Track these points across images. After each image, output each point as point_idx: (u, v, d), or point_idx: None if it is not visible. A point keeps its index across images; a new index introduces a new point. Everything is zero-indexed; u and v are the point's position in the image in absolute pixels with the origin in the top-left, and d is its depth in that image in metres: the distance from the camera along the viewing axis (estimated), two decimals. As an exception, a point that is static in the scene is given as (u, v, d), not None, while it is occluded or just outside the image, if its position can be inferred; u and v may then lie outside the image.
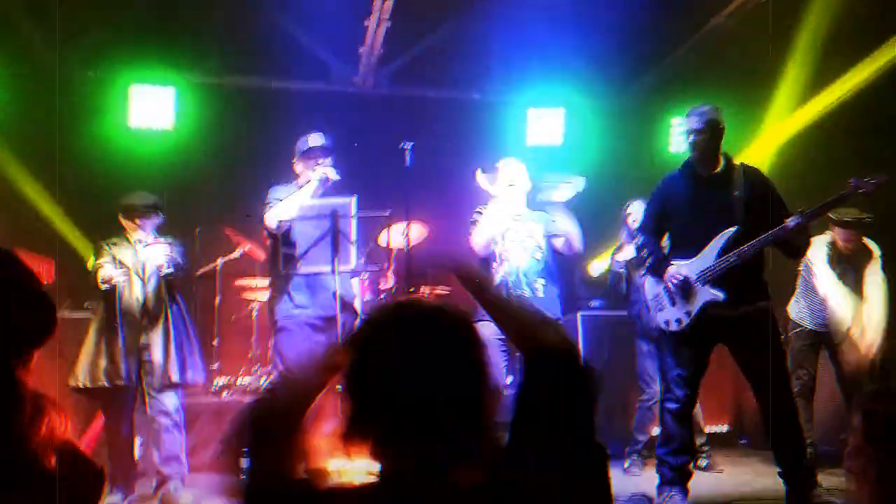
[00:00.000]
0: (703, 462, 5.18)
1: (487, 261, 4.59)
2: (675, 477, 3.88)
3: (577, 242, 4.54)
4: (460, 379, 1.32)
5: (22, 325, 1.42)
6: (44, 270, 4.30)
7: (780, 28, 5.91)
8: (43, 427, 1.43)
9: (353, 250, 3.62)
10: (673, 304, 3.96)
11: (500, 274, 4.52)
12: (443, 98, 7.56)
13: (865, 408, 1.64)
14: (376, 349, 1.33)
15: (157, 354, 4.47)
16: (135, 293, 4.48)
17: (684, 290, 3.90)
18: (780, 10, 5.83)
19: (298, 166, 4.56)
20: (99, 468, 1.54)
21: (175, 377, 4.49)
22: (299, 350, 4.11)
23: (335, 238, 3.49)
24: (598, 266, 6.27)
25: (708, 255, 3.89)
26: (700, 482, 4.44)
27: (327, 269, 3.51)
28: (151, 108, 6.90)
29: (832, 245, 4.99)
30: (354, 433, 1.30)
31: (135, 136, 6.92)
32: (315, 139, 4.53)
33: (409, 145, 4.12)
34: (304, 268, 3.63)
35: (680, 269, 3.93)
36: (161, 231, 4.69)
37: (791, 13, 5.94)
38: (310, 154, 4.45)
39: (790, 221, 3.77)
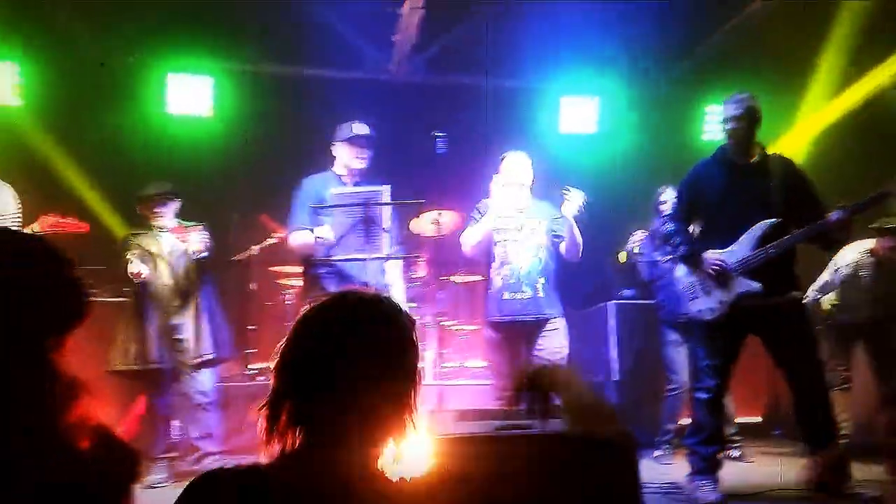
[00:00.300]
0: (734, 452, 5.17)
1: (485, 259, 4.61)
2: (706, 466, 3.88)
3: (574, 255, 4.49)
4: (380, 363, 1.34)
5: (54, 310, 1.46)
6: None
7: (818, 13, 5.81)
8: (76, 410, 1.47)
9: (385, 238, 3.67)
10: (707, 293, 3.94)
11: (501, 273, 4.52)
12: (476, 85, 7.55)
13: None
14: (303, 332, 1.39)
15: (188, 334, 4.67)
16: (163, 278, 4.67)
17: (720, 279, 3.88)
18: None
19: (339, 151, 4.60)
20: (134, 451, 1.58)
21: (207, 354, 4.69)
22: None
23: (368, 226, 3.52)
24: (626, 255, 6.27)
25: (744, 246, 3.87)
26: (731, 471, 4.44)
27: (360, 256, 3.55)
28: (189, 95, 7.03)
29: (868, 252, 4.97)
30: (273, 411, 1.34)
31: (173, 122, 7.05)
32: (360, 127, 4.57)
33: (440, 134, 4.13)
34: (337, 255, 3.67)
35: (716, 257, 3.90)
36: (181, 215, 4.91)
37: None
38: (353, 141, 4.49)
39: (833, 215, 3.74)
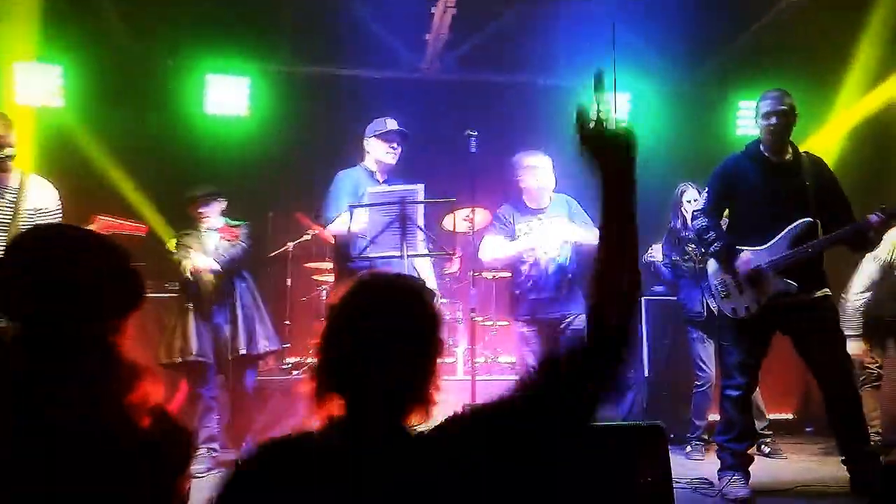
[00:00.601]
0: (765, 448, 5.18)
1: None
2: (737, 462, 3.92)
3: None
4: (412, 336, 1.48)
5: (113, 296, 1.57)
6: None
7: (850, 9, 5.77)
8: (137, 391, 1.58)
9: (420, 235, 3.75)
10: (740, 291, 3.94)
11: (524, 271, 4.66)
12: (508, 83, 7.60)
13: None
14: (342, 313, 1.51)
15: (227, 331, 4.87)
16: (207, 276, 4.85)
17: (755, 277, 3.88)
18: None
19: (370, 146, 4.66)
20: (189, 432, 1.69)
21: (242, 350, 4.87)
22: None
23: (403, 224, 3.61)
24: (659, 250, 6.28)
25: (780, 244, 3.86)
26: (762, 468, 4.47)
27: (396, 253, 3.64)
28: (227, 96, 7.17)
29: None
30: (321, 388, 1.48)
31: (211, 122, 7.20)
32: (392, 123, 4.68)
33: (473, 133, 4.20)
34: (373, 252, 3.77)
35: (752, 256, 3.90)
36: (228, 214, 5.14)
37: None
38: (387, 136, 4.59)
39: (872, 218, 3.75)
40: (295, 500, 1.38)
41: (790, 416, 6.36)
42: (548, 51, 7.24)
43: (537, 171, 4.75)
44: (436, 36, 6.77)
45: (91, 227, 4.12)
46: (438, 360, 1.52)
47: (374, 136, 4.65)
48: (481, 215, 6.40)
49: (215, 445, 4.86)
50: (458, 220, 6.03)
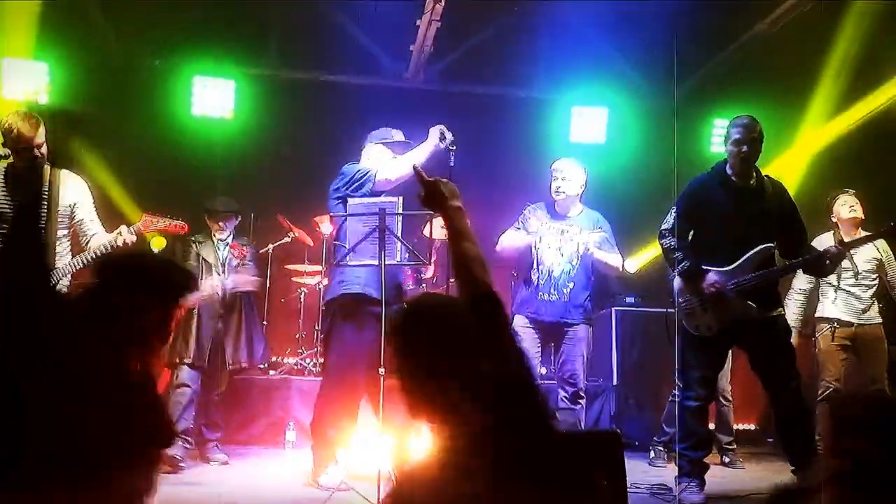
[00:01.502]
0: (726, 458, 5.37)
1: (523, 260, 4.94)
2: (693, 469, 4.08)
3: (615, 271, 4.97)
4: (494, 354, 1.65)
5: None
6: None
7: (820, 37, 6.01)
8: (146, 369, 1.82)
9: (398, 245, 3.89)
10: (704, 310, 4.10)
11: (535, 273, 4.84)
12: (490, 94, 7.76)
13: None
14: (415, 336, 1.67)
15: (230, 340, 5.12)
16: (215, 286, 5.03)
17: (718, 297, 4.04)
18: (821, 19, 5.92)
19: (371, 152, 4.70)
20: (173, 423, 1.88)
21: (243, 362, 5.17)
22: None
23: (382, 234, 3.75)
24: (633, 263, 6.46)
25: (744, 267, 4.03)
26: (719, 476, 4.65)
27: (374, 262, 3.77)
28: (213, 98, 7.26)
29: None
30: (416, 410, 1.65)
31: (197, 123, 7.28)
32: (399, 134, 4.75)
33: (453, 147, 4.32)
34: (353, 260, 3.91)
35: (718, 277, 4.05)
36: (238, 231, 5.42)
37: (831, 23, 6.04)
38: (393, 147, 4.65)
39: (832, 248, 4.06)
40: None
41: (753, 426, 6.56)
42: (528, 64, 7.42)
43: (560, 175, 4.90)
44: (420, 47, 6.90)
45: (138, 223, 4.28)
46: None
47: (378, 143, 4.69)
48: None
49: (189, 439, 4.99)
50: (436, 228, 6.18)
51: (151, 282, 1.83)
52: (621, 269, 5.05)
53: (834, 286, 5.12)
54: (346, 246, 3.96)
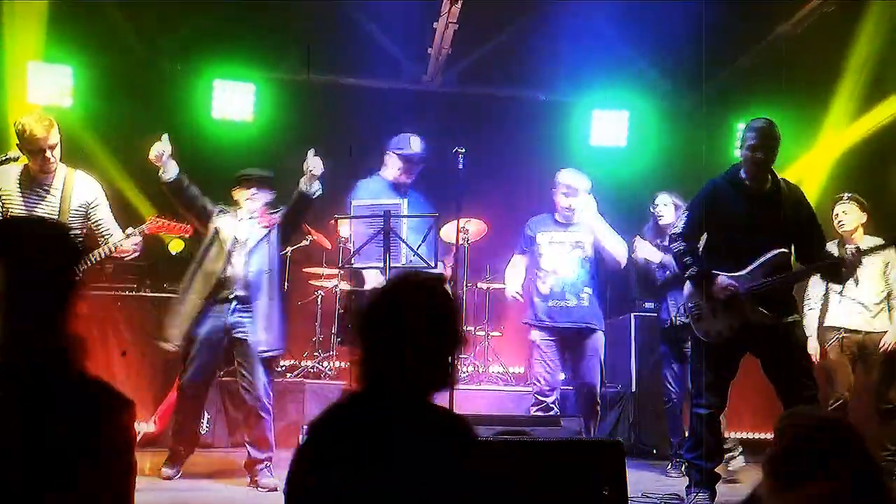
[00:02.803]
0: (734, 465, 5.25)
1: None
2: (703, 479, 3.99)
3: (622, 257, 4.88)
4: (432, 321, 1.77)
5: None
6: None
7: (843, 38, 5.89)
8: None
9: (403, 248, 3.87)
10: (714, 315, 4.00)
11: (547, 281, 4.82)
12: (509, 98, 7.73)
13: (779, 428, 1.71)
14: (374, 303, 1.84)
15: (247, 330, 4.39)
16: (235, 269, 4.43)
17: (730, 302, 3.95)
18: (844, 20, 5.81)
19: (391, 160, 4.69)
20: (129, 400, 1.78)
21: (270, 350, 4.47)
22: None
23: (387, 236, 3.73)
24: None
25: (756, 272, 3.93)
26: (729, 486, 4.55)
27: (379, 264, 3.76)
28: (233, 101, 7.33)
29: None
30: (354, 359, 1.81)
31: (217, 126, 7.35)
32: (416, 144, 4.69)
33: (462, 150, 4.31)
34: (358, 262, 3.90)
35: (729, 281, 3.95)
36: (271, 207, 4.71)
37: (853, 24, 5.93)
38: (409, 158, 4.60)
39: (848, 255, 3.99)
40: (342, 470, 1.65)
41: (771, 435, 6.40)
42: (548, 66, 7.36)
43: (568, 190, 4.88)
44: (438, 50, 6.89)
45: (143, 225, 4.25)
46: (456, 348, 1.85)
47: (397, 153, 4.68)
48: (475, 226, 6.54)
49: (188, 453, 4.58)
50: (454, 232, 6.13)
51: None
52: (624, 259, 4.96)
53: (839, 293, 5.00)
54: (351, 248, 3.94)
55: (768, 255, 3.94)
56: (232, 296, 4.40)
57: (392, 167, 4.80)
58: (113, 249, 4.13)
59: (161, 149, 4.33)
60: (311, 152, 4.49)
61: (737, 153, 4.25)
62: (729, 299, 3.93)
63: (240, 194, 4.59)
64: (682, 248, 4.11)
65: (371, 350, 1.78)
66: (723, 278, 3.97)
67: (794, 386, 3.86)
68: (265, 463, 4.42)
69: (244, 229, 4.52)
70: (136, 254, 4.29)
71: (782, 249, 3.96)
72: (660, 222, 5.30)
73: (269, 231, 4.56)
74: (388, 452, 1.65)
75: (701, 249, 4.17)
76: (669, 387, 5.27)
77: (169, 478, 4.39)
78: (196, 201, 4.53)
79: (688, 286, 4.15)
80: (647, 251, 5.24)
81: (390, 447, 1.65)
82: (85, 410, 1.59)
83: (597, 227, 4.85)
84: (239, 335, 4.40)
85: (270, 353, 4.51)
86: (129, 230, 4.22)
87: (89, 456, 1.55)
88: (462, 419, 1.78)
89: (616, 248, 4.87)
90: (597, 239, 4.83)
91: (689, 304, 4.12)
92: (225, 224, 4.50)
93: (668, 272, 5.17)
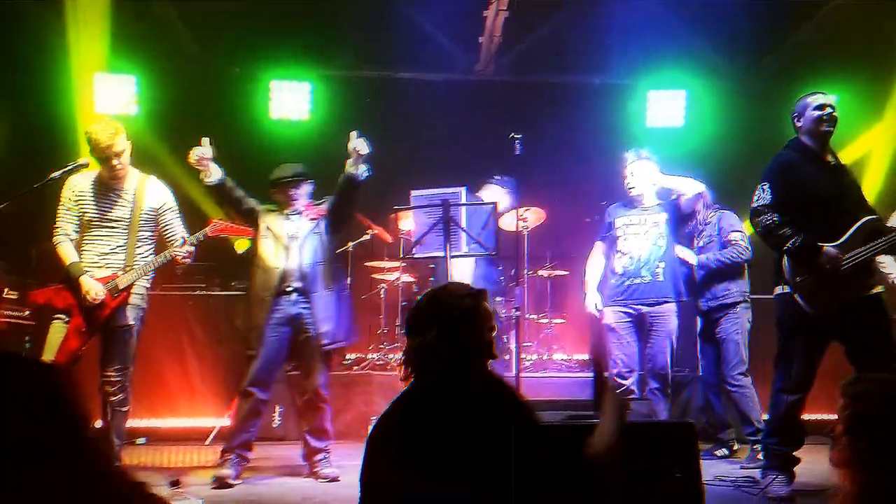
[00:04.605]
0: (725, 450, 5.16)
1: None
2: (780, 463, 3.90)
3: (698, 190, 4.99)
4: (472, 328, 2.18)
5: None
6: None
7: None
8: None
9: (463, 236, 3.89)
10: (822, 288, 3.82)
11: (622, 262, 4.89)
12: (562, 83, 7.68)
13: (849, 396, 1.69)
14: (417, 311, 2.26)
15: (310, 321, 4.43)
16: (290, 262, 4.48)
17: (835, 273, 3.78)
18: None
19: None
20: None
21: (326, 341, 4.45)
22: None
23: (447, 225, 3.76)
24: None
25: (854, 241, 3.81)
26: (805, 468, 4.43)
27: (440, 254, 3.79)
28: (290, 101, 7.48)
29: None
30: (407, 361, 2.20)
31: (276, 126, 7.50)
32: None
33: (518, 136, 4.31)
34: (419, 253, 3.93)
35: (835, 251, 3.79)
36: (316, 197, 4.76)
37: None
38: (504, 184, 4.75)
39: None
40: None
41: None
42: (601, 49, 7.29)
43: (630, 171, 4.97)
44: (489, 38, 6.89)
45: (206, 228, 4.34)
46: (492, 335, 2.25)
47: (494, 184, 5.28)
48: (535, 214, 6.52)
49: (249, 454, 4.49)
50: (511, 220, 6.14)
51: None
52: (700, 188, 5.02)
53: None
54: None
55: (862, 223, 3.83)
56: (290, 288, 4.45)
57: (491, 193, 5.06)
58: (170, 257, 4.25)
59: (201, 152, 4.41)
60: (354, 134, 4.50)
61: (797, 127, 4.12)
62: (834, 271, 3.81)
63: (279, 196, 4.65)
64: (775, 219, 3.88)
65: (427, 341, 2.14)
66: (830, 249, 3.80)
67: (880, 357, 3.70)
68: (324, 453, 4.48)
69: (293, 225, 4.58)
70: (189, 260, 4.34)
71: (873, 216, 3.87)
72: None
73: (318, 223, 4.61)
74: (463, 428, 1.86)
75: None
76: (704, 370, 5.33)
77: (226, 478, 4.25)
78: (242, 203, 4.61)
79: (787, 261, 3.93)
80: (684, 254, 5.21)
81: (465, 423, 1.86)
82: None
83: (664, 183, 4.92)
84: (300, 325, 4.45)
85: (333, 345, 4.53)
86: (188, 237, 4.28)
87: None
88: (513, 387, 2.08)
89: (689, 188, 4.94)
90: (674, 192, 4.93)
91: (797, 279, 3.89)
92: (274, 221, 4.58)
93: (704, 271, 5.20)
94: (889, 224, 4.10)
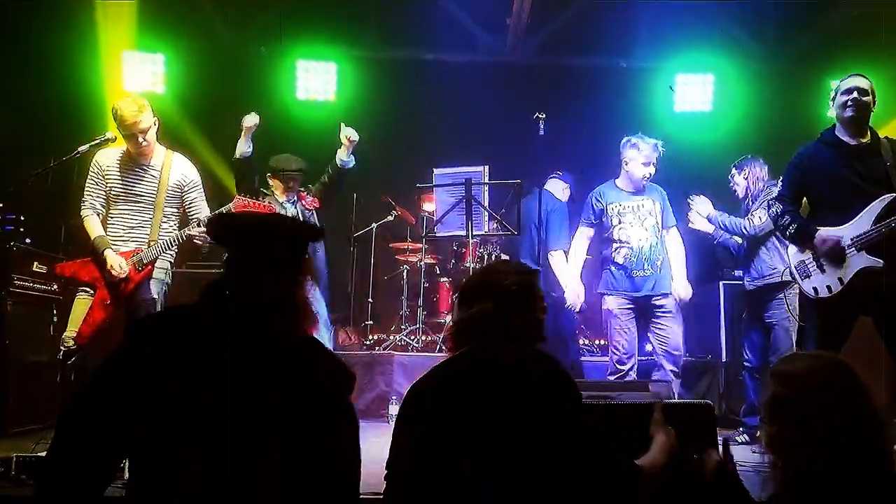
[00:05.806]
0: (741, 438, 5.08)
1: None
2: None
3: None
4: (526, 304, 2.19)
5: None
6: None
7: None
8: None
9: (485, 215, 3.89)
10: (822, 270, 3.88)
11: (621, 252, 4.83)
12: (590, 66, 7.61)
13: (771, 377, 1.79)
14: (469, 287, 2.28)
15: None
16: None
17: (835, 255, 3.81)
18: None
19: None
20: None
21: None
22: None
23: (469, 204, 3.75)
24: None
25: (863, 221, 3.78)
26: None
27: (461, 233, 3.79)
28: (316, 81, 7.48)
29: None
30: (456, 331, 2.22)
31: (302, 107, 7.51)
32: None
33: (542, 116, 4.29)
34: (441, 232, 3.94)
35: (831, 234, 3.83)
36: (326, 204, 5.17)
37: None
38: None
39: None
40: None
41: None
42: (629, 32, 7.21)
43: (647, 160, 4.91)
44: (517, 20, 6.84)
45: (230, 205, 4.43)
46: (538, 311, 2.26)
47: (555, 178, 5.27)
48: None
49: None
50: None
51: None
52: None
53: None
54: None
55: (875, 203, 3.78)
56: None
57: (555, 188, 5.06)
58: (184, 238, 4.29)
59: (252, 121, 4.73)
60: (342, 124, 4.90)
61: (830, 113, 4.07)
62: (833, 251, 3.80)
63: (278, 183, 5.00)
64: (779, 209, 4.02)
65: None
66: (822, 230, 3.84)
67: None
68: None
69: (291, 212, 4.90)
70: (204, 241, 4.42)
71: (892, 195, 3.78)
72: (738, 194, 5.17)
73: (313, 212, 4.94)
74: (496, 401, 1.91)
75: (806, 216, 4.04)
76: (745, 355, 5.17)
77: None
78: (253, 183, 4.91)
79: (792, 249, 4.02)
80: (700, 224, 5.19)
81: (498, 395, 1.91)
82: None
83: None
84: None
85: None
86: (203, 218, 4.35)
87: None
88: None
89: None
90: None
91: (794, 263, 4.00)
92: (274, 205, 4.86)
93: (745, 242, 5.07)
94: None
